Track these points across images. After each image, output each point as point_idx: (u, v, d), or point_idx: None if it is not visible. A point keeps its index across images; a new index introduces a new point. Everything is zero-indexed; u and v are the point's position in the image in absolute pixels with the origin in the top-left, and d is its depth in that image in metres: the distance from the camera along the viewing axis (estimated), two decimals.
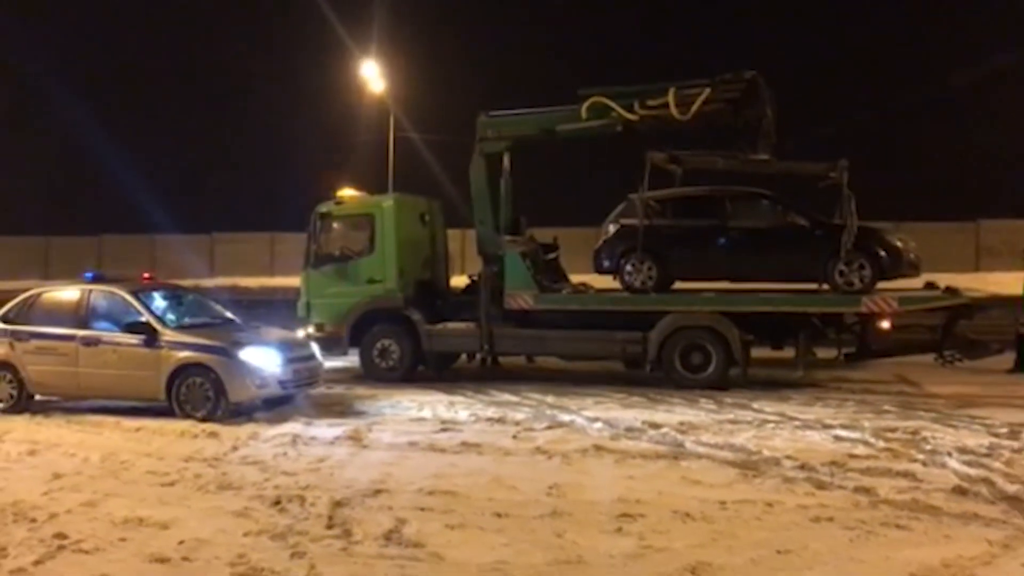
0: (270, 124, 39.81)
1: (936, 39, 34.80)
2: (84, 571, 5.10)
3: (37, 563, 5.25)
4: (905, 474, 6.99)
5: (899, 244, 11.77)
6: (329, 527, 5.86)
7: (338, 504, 6.35)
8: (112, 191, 40.07)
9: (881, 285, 11.66)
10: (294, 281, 14.87)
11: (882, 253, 11.48)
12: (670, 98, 11.84)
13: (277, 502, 6.44)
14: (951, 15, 34.27)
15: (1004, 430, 8.64)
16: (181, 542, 5.56)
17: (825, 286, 11.68)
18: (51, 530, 5.83)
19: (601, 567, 5.08)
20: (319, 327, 13.19)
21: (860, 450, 7.87)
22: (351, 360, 13.56)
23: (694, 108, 11.77)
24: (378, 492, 6.67)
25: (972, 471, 7.06)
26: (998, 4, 34.77)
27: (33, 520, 6.07)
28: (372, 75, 30.83)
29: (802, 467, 7.24)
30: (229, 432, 9.06)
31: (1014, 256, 14.77)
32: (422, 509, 6.24)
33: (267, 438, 8.80)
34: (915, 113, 34.33)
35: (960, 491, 6.49)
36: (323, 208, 13.62)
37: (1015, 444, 8.04)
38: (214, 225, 35.82)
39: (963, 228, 29.21)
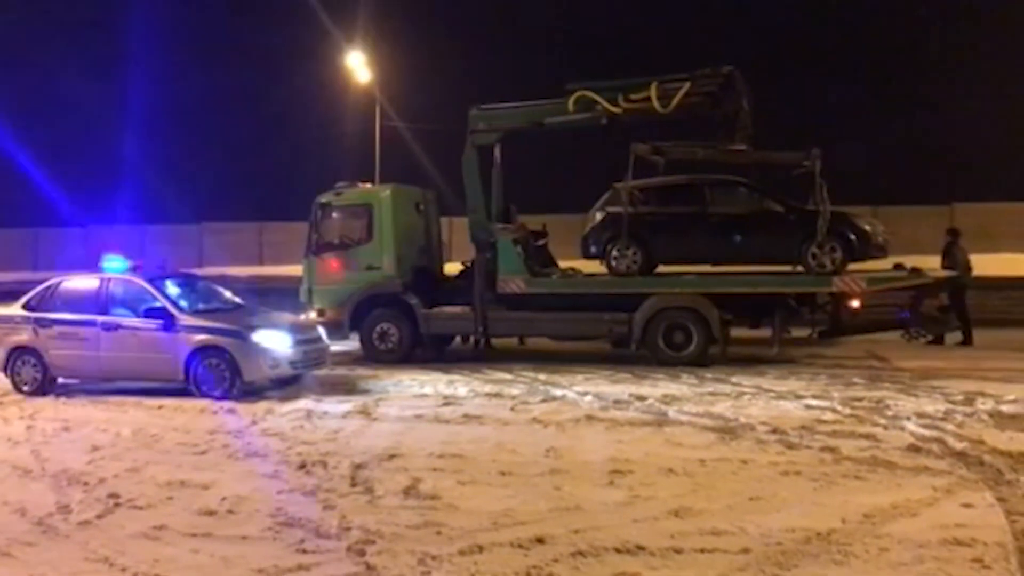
0: (258, 113, 40.16)
1: (909, 22, 35.61)
2: (143, 523, 5.77)
3: (100, 517, 5.94)
4: (867, 436, 7.75)
5: (868, 228, 12.49)
6: (353, 485, 6.57)
7: (358, 467, 7.06)
8: (99, 182, 40.41)
9: (852, 267, 12.34)
10: (283, 270, 15.35)
11: (852, 236, 12.15)
12: (652, 92, 12.45)
13: (302, 466, 7.15)
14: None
15: (960, 398, 9.41)
16: (223, 499, 6.25)
17: (799, 268, 12.35)
18: (104, 491, 6.52)
19: (597, 512, 5.81)
20: (321, 312, 13.82)
21: (828, 416, 8.63)
22: (351, 344, 14.22)
23: (675, 101, 12.37)
24: (392, 457, 7.38)
25: (927, 432, 7.83)
26: None
27: (86, 483, 6.76)
28: (358, 65, 31.30)
29: (774, 431, 7.99)
30: (246, 409, 9.74)
31: (987, 238, 15.45)
32: (434, 470, 6.96)
33: (282, 413, 9.48)
34: (889, 98, 35.14)
35: (914, 449, 7.26)
36: (323, 198, 14.23)
37: (968, 410, 8.81)
38: (202, 215, 36.18)
39: (938, 211, 29.93)
